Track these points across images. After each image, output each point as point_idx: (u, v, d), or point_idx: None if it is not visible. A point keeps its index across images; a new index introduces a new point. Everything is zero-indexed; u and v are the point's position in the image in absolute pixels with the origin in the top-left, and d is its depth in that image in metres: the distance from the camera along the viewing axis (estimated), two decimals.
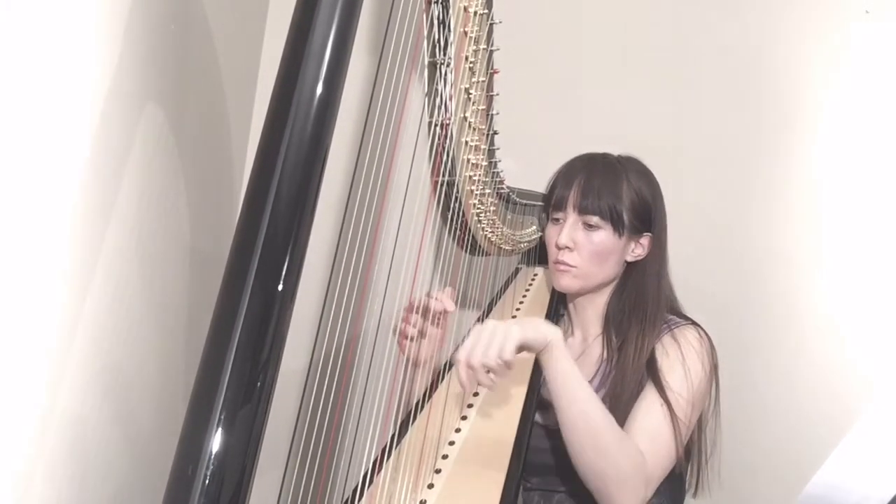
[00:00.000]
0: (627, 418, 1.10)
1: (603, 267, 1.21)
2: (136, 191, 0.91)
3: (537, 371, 1.21)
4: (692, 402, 1.10)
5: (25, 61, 0.68)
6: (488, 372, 0.95)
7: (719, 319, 1.30)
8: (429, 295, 1.15)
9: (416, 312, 1.15)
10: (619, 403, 1.12)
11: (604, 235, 1.20)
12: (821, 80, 1.55)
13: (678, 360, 1.13)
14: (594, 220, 1.19)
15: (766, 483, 1.55)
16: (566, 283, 1.24)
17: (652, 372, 1.13)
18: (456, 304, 1.15)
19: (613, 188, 1.20)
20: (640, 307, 1.21)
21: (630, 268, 1.25)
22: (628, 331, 1.19)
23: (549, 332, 1.00)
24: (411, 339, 1.16)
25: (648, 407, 1.10)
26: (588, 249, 1.20)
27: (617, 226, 1.19)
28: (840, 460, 1.40)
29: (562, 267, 1.22)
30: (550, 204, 1.26)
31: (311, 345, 0.87)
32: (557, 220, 1.25)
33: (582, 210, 1.20)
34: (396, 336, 1.17)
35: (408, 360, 1.17)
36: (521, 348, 0.97)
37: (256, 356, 0.57)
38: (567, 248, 1.21)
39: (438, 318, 1.18)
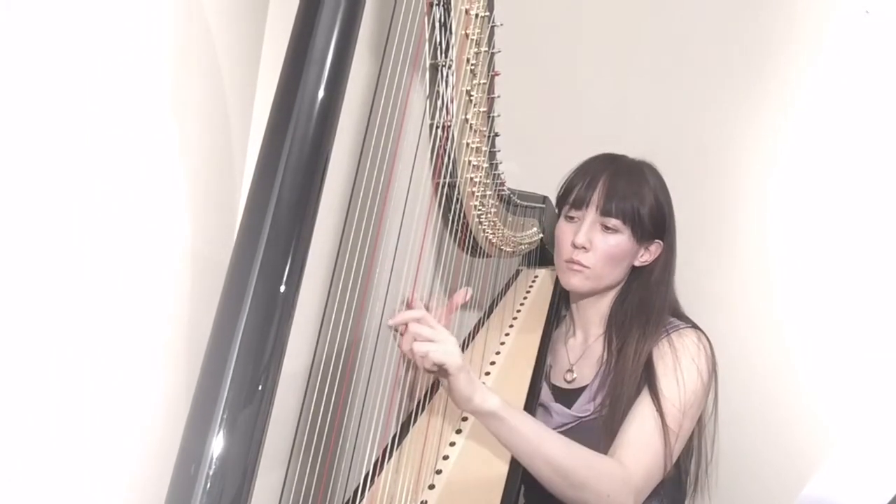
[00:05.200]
0: (622, 425, 1.10)
1: (614, 270, 1.21)
2: (136, 193, 0.91)
3: (538, 373, 1.21)
4: (684, 409, 1.10)
5: (24, 62, 0.68)
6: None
7: (718, 320, 1.31)
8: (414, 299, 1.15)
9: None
10: (619, 404, 1.12)
11: (621, 239, 1.19)
12: (820, 81, 1.56)
13: (673, 365, 1.12)
14: (614, 222, 1.18)
15: (764, 485, 1.55)
16: (577, 282, 1.23)
17: (648, 377, 1.13)
18: (467, 303, 1.13)
19: (638, 191, 1.19)
20: (644, 313, 1.20)
21: (636, 272, 1.24)
22: (629, 334, 1.18)
23: (486, 405, 0.96)
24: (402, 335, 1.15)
25: (641, 418, 1.09)
26: (603, 251, 1.19)
27: (636, 230, 1.18)
28: (840, 460, 1.40)
29: (575, 266, 1.21)
30: (568, 202, 1.24)
31: (313, 346, 0.87)
32: (573, 218, 1.23)
33: (604, 212, 1.19)
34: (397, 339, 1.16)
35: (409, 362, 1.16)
36: (441, 371, 0.93)
37: (258, 358, 0.57)
38: (583, 248, 1.20)
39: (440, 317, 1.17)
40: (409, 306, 1.14)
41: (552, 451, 0.99)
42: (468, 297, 1.11)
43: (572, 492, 1.00)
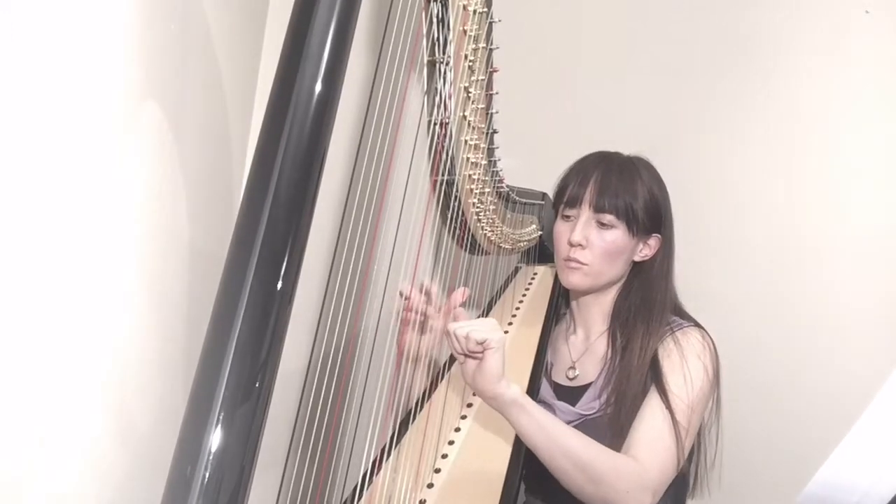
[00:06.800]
0: (632, 424, 1.10)
1: (613, 266, 1.22)
2: (134, 189, 0.91)
3: (537, 369, 1.21)
4: (693, 405, 1.10)
5: (24, 62, 0.68)
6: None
7: (722, 320, 1.30)
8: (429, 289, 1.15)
9: (420, 293, 1.14)
10: (625, 401, 1.13)
11: (617, 234, 1.20)
12: (821, 81, 1.55)
13: (680, 362, 1.13)
14: (608, 218, 1.20)
15: (765, 483, 1.55)
16: (576, 280, 1.23)
17: (655, 375, 1.13)
18: (465, 303, 1.13)
19: (630, 187, 1.20)
20: (647, 307, 1.21)
21: (637, 267, 1.25)
22: (633, 330, 1.19)
23: (510, 391, 0.97)
24: (412, 326, 1.15)
25: (651, 415, 1.09)
26: (600, 248, 1.20)
27: (631, 225, 1.19)
28: (840, 460, 1.40)
29: (573, 264, 1.22)
30: (563, 201, 1.25)
31: (311, 343, 0.87)
32: (569, 217, 1.25)
33: (598, 208, 1.20)
34: (398, 326, 1.16)
35: (407, 356, 1.16)
36: (482, 349, 0.95)
37: (255, 355, 0.57)
38: (579, 245, 1.21)
39: (440, 308, 1.17)
40: (408, 300, 1.14)
41: (571, 443, 1.00)
42: (465, 296, 1.11)
43: (591, 487, 1.00)
